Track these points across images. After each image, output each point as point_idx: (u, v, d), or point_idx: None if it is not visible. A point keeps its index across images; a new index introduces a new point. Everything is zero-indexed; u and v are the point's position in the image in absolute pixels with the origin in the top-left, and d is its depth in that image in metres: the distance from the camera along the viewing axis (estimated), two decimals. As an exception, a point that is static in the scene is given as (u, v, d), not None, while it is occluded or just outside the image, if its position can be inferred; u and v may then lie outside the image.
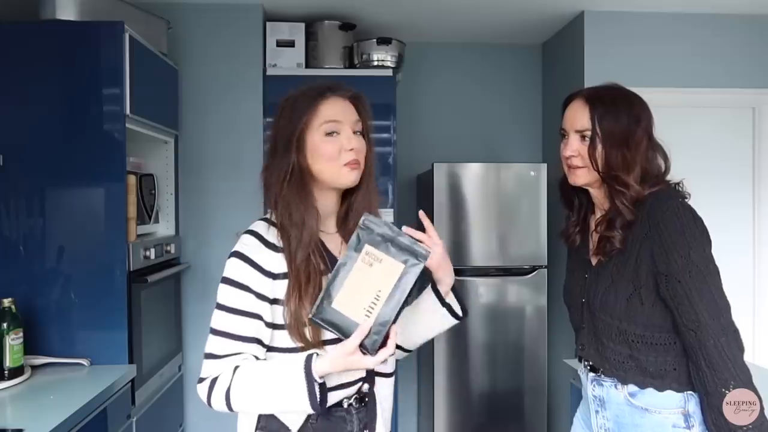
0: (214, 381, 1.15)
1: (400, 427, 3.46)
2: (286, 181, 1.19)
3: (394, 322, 1.09)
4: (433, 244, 1.22)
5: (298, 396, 1.10)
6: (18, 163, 2.12)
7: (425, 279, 1.20)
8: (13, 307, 1.95)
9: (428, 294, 1.31)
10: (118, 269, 2.15)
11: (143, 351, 2.28)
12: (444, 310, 1.30)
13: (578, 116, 1.40)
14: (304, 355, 1.12)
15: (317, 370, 1.10)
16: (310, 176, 1.21)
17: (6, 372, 1.92)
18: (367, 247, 1.11)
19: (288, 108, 1.22)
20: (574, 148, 1.40)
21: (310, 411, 1.11)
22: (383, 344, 1.08)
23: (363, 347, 1.08)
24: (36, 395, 1.86)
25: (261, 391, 1.13)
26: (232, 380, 1.14)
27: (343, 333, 1.09)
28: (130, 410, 2.15)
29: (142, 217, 2.43)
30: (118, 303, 2.15)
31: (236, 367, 1.15)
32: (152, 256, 2.37)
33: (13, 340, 1.93)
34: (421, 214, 1.30)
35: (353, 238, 1.12)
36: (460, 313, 1.32)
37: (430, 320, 1.32)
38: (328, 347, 1.15)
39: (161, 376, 2.51)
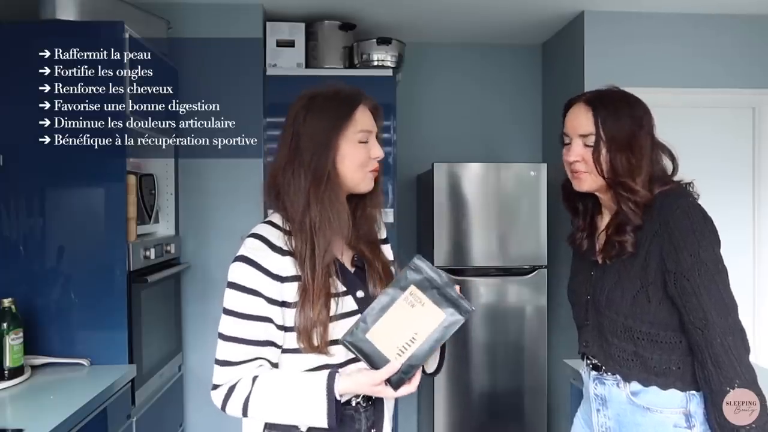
0: (232, 388, 1.15)
1: (400, 427, 3.45)
2: (323, 184, 1.17)
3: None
4: None
5: (317, 412, 1.12)
6: (18, 163, 2.12)
7: None
8: (13, 307, 1.95)
9: None
10: (118, 269, 2.15)
11: (143, 351, 2.27)
12: None
13: (581, 121, 1.38)
14: (325, 372, 1.14)
15: (339, 389, 1.13)
16: (338, 180, 1.21)
17: (6, 372, 1.92)
18: (412, 288, 1.14)
19: (316, 110, 1.20)
20: (578, 153, 1.38)
21: (326, 426, 1.13)
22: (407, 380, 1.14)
23: (387, 380, 1.12)
24: (36, 395, 1.86)
25: (280, 404, 1.14)
26: (251, 390, 1.14)
27: (371, 363, 1.12)
28: (130, 410, 2.15)
29: (142, 217, 2.43)
30: (118, 303, 2.14)
31: (255, 377, 1.15)
32: (152, 256, 2.37)
33: (13, 340, 1.93)
34: None
35: (401, 275, 1.15)
36: (429, 370, 1.33)
37: None
38: (350, 368, 1.17)
39: (161, 376, 2.51)
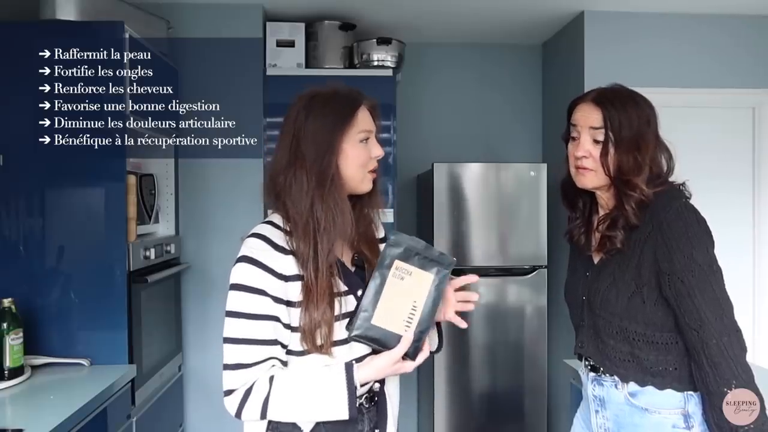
0: (248, 391, 1.14)
1: (400, 427, 3.45)
2: (327, 185, 1.17)
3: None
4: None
5: (338, 404, 1.13)
6: (18, 163, 2.12)
7: None
8: (13, 307, 1.95)
9: None
10: (118, 269, 2.15)
11: (143, 351, 2.27)
12: None
13: (591, 116, 1.38)
14: (342, 364, 1.15)
15: (359, 378, 1.14)
16: (341, 181, 1.21)
17: (6, 372, 1.92)
18: (396, 262, 1.18)
19: (317, 111, 1.19)
20: (587, 148, 1.38)
21: (347, 417, 1.14)
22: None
23: (405, 354, 1.15)
24: (36, 395, 1.86)
25: (300, 400, 1.14)
26: (270, 390, 1.13)
27: (384, 345, 1.16)
28: (130, 410, 2.15)
29: (142, 217, 2.43)
30: (118, 303, 2.15)
31: (272, 377, 1.14)
32: (152, 256, 2.37)
33: (13, 340, 1.93)
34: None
35: (382, 255, 1.19)
36: (431, 349, 1.31)
37: None
38: (367, 358, 1.19)
39: (161, 376, 2.51)
